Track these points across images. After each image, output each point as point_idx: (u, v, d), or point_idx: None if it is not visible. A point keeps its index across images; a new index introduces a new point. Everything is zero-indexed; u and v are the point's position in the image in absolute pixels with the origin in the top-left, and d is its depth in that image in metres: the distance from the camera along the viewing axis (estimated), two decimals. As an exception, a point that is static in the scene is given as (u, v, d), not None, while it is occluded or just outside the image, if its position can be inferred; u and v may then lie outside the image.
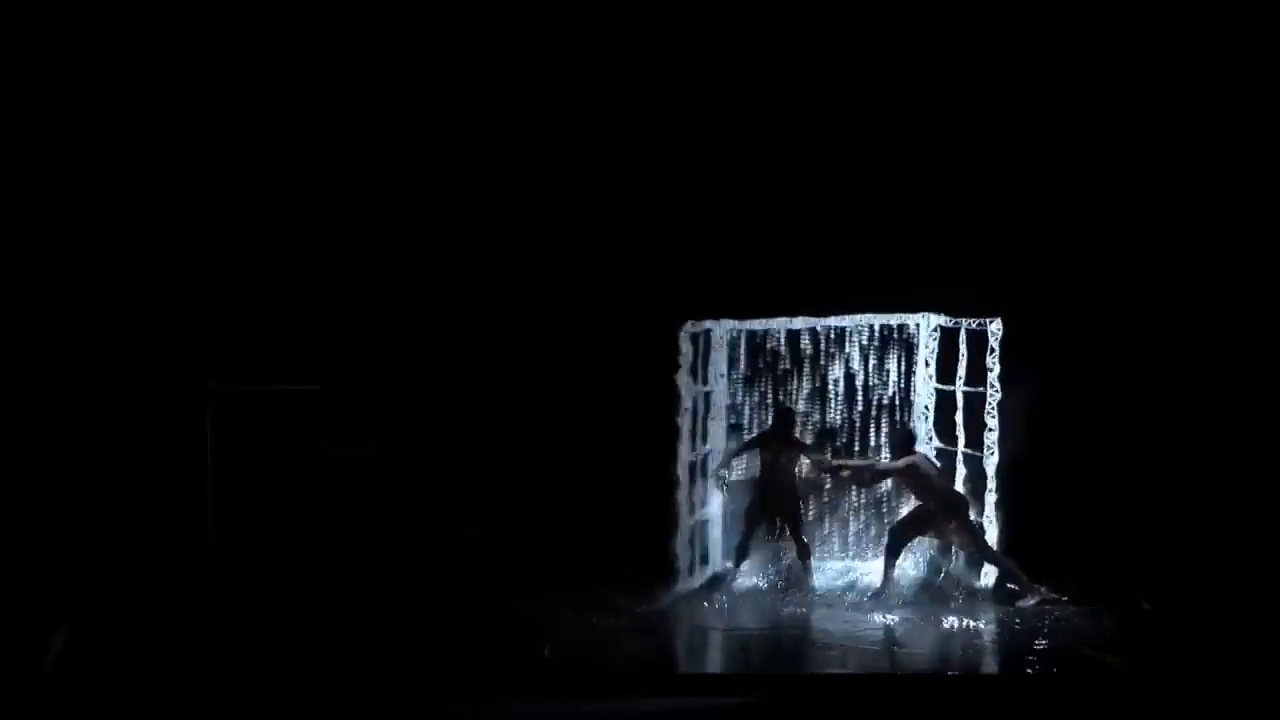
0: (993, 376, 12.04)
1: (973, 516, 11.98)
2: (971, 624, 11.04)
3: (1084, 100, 12.64)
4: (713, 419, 12.61)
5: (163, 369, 12.38)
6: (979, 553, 11.95)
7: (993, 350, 12.12)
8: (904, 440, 12.27)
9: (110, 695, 8.94)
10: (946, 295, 12.44)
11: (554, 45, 12.59)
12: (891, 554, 11.96)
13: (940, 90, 12.66)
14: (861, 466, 12.48)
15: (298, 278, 12.66)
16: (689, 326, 12.28)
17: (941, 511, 11.92)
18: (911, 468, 12.00)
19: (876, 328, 12.76)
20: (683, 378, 12.14)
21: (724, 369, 12.77)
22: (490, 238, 12.80)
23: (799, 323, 12.67)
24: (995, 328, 12.12)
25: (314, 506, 12.22)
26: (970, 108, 12.65)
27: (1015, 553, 11.95)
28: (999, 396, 12.02)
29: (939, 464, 12.29)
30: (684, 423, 12.15)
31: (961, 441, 12.34)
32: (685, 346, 12.19)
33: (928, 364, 12.73)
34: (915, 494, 12.15)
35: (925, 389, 12.77)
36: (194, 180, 12.58)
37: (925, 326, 12.73)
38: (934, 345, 12.66)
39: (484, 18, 12.57)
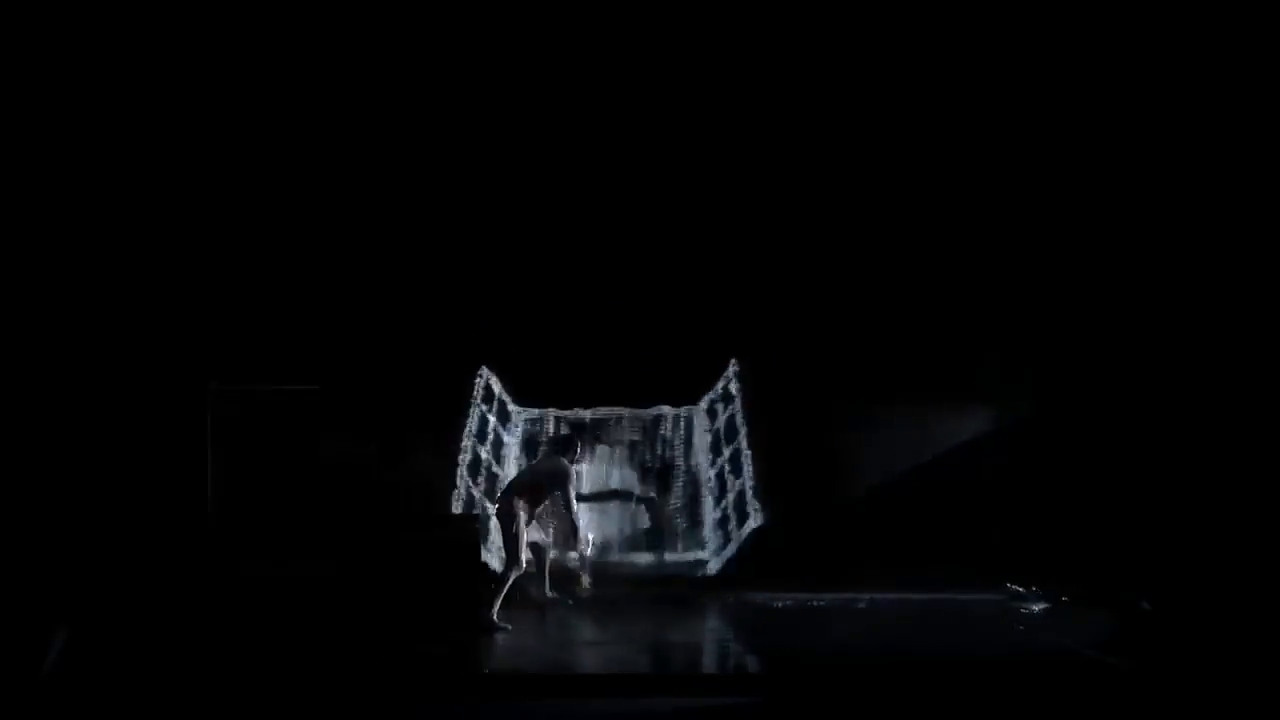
0: (735, 406, 12.82)
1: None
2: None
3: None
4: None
5: (163, 369, 12.39)
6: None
7: (729, 377, 12.89)
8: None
9: (110, 695, 8.94)
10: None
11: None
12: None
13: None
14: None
15: (297, 278, 12.67)
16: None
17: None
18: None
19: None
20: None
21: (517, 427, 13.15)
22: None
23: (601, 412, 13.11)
24: (731, 370, 12.89)
25: (314, 506, 12.20)
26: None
27: (1015, 553, 12.05)
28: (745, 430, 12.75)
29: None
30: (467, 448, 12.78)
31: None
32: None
33: (708, 434, 13.12)
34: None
35: (705, 458, 13.05)
36: (194, 181, 12.59)
37: (698, 410, 13.14)
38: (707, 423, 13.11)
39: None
